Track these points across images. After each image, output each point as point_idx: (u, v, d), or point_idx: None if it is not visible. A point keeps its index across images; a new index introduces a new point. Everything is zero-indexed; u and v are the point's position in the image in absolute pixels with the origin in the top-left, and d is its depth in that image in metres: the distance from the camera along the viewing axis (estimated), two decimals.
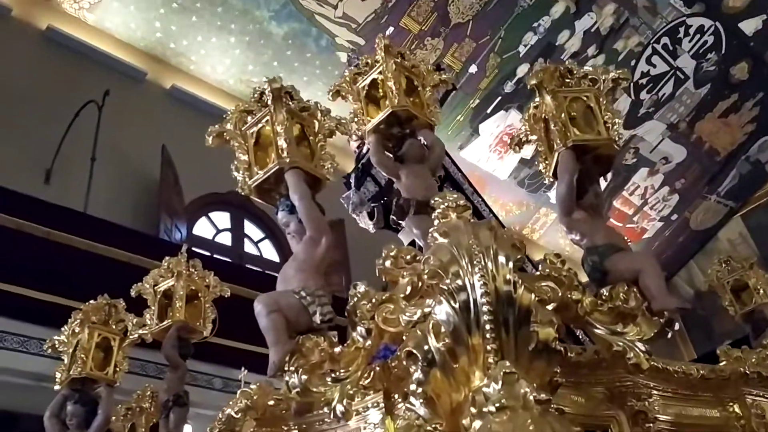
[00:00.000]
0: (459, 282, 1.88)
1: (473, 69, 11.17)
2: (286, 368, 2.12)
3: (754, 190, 14.30)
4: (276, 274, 2.48)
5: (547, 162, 2.77)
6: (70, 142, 7.25)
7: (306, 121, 2.67)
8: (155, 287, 4.23)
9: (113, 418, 4.23)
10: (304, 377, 2.09)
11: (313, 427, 2.43)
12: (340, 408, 2.06)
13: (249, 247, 9.10)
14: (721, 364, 2.81)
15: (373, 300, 2.22)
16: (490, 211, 5.22)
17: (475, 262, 1.89)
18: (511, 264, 1.90)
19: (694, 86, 12.84)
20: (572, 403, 2.36)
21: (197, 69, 9.40)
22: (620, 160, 13.45)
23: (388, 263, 2.27)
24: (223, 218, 9.04)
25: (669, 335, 2.17)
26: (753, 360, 2.89)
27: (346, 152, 5.25)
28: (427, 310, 1.98)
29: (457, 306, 1.87)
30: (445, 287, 1.90)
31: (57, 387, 3.54)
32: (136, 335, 3.69)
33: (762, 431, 2.53)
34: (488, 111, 11.71)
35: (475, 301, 1.85)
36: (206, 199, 8.54)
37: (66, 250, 5.61)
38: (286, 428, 2.42)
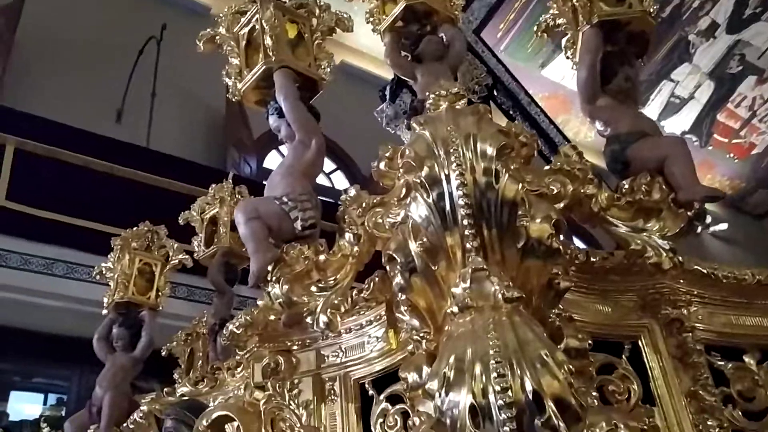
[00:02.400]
0: (433, 175, 1.66)
1: None
2: (268, 278, 1.99)
3: None
4: None
5: (574, 48, 2.44)
6: (140, 80, 7.37)
7: (302, 18, 2.47)
8: (202, 214, 4.26)
9: (174, 343, 4.36)
10: (286, 287, 1.96)
11: (316, 341, 2.32)
12: (323, 318, 1.93)
13: (321, 179, 9.09)
14: None
15: (364, 204, 2.05)
16: (550, 121, 4.83)
17: (451, 151, 1.66)
18: (493, 151, 1.65)
19: None
20: (597, 313, 2.11)
21: None
22: (724, 68, 12.34)
23: (383, 165, 2.07)
24: None
25: (699, 230, 1.86)
26: None
27: None
28: (409, 213, 1.78)
29: (431, 201, 1.66)
30: (419, 181, 1.69)
31: (104, 311, 3.63)
32: (177, 260, 3.71)
33: None
34: None
35: (450, 194, 1.63)
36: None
37: (130, 184, 5.77)
38: (289, 343, 2.32)
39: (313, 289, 1.97)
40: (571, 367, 1.28)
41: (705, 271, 2.22)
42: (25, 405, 6.99)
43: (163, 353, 4.30)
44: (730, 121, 13.07)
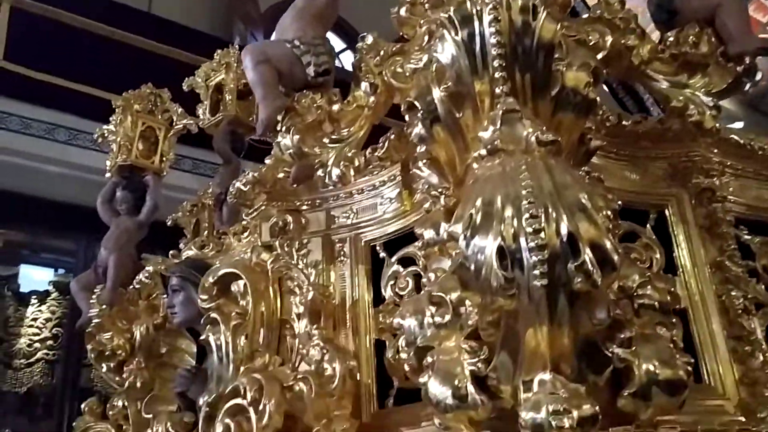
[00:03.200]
0: (464, 10, 1.50)
1: None
2: (277, 128, 1.87)
3: None
4: None
5: None
6: None
7: None
8: (207, 81, 4.07)
9: (179, 213, 4.30)
10: (296, 137, 1.84)
11: (326, 202, 2.22)
12: (335, 171, 1.82)
13: None
14: None
15: (382, 52, 1.89)
16: None
17: None
18: None
19: None
20: (624, 180, 2.01)
21: None
22: None
23: (404, 11, 1.90)
24: None
25: (748, 87, 1.71)
26: None
27: None
28: (434, 55, 1.62)
29: (460, 40, 1.50)
30: (447, 17, 1.52)
31: (108, 175, 3.54)
32: (181, 125, 3.57)
33: None
34: None
35: (482, 34, 1.47)
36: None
37: (131, 50, 5.54)
38: (298, 203, 2.23)
39: (326, 140, 1.85)
40: (610, 213, 1.17)
41: (741, 141, 2.10)
42: (34, 272, 7.11)
43: (169, 223, 4.24)
44: (759, 14, 12.42)
